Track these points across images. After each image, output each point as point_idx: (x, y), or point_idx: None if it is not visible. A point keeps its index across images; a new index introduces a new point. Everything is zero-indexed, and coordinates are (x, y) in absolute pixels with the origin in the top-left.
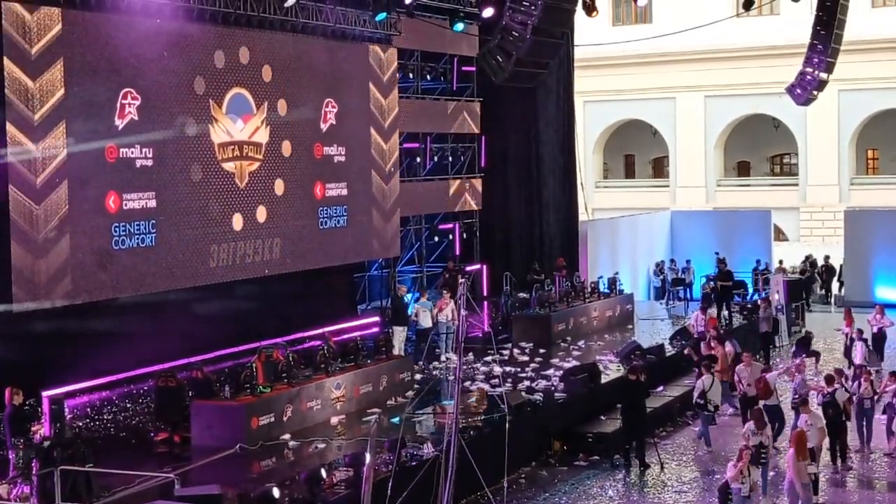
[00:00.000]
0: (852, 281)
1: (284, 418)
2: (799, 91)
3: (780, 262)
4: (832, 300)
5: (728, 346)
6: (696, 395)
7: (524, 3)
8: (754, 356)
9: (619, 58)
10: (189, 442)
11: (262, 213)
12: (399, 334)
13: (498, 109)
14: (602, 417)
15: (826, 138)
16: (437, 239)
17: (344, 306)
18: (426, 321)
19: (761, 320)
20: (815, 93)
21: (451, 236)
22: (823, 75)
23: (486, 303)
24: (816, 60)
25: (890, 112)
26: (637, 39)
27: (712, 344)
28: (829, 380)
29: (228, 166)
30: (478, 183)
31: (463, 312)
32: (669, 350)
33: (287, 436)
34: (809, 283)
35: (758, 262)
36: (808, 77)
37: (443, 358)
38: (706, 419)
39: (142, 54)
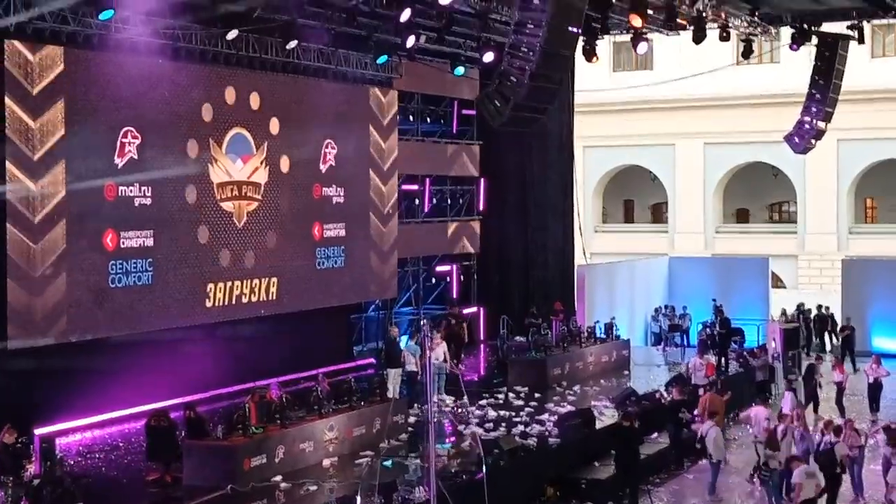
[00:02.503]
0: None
1: (276, 460)
2: (797, 140)
3: (784, 311)
4: (832, 350)
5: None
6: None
7: (522, 49)
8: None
9: (620, 104)
10: (181, 482)
11: (259, 253)
12: (393, 377)
13: (497, 153)
14: (596, 464)
15: (825, 187)
16: (434, 281)
17: (340, 347)
18: (411, 365)
19: (757, 369)
20: (814, 141)
21: (448, 279)
22: (821, 124)
23: (482, 346)
24: (815, 110)
25: (889, 162)
26: (637, 86)
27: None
28: (838, 430)
29: (227, 206)
30: (476, 225)
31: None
32: (665, 397)
33: (279, 477)
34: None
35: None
36: (807, 126)
37: (435, 399)
38: (712, 466)
39: (143, 94)
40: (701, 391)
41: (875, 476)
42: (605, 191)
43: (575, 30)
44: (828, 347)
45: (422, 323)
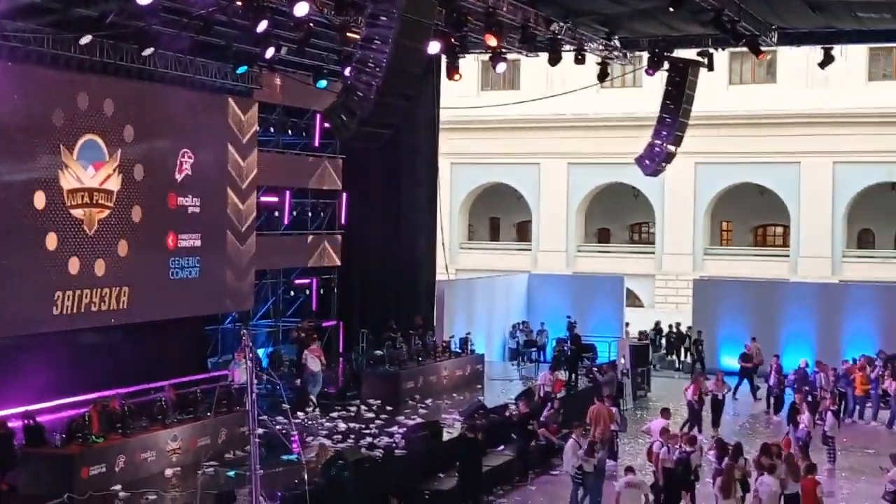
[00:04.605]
0: (708, 348)
1: (117, 469)
2: (648, 162)
3: (627, 323)
4: (681, 367)
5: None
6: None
7: (369, 64)
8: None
9: (487, 122)
10: (17, 490)
11: (110, 261)
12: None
13: (361, 167)
14: (441, 475)
15: (682, 209)
16: (293, 294)
17: (193, 359)
18: (242, 377)
19: (603, 384)
20: (664, 164)
21: (308, 291)
22: (671, 148)
23: (340, 359)
24: (665, 133)
25: (743, 186)
26: (501, 104)
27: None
28: (692, 441)
29: (77, 213)
30: (338, 239)
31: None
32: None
33: (118, 486)
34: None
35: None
36: (657, 149)
37: (310, 406)
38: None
39: None
40: (549, 405)
41: (705, 487)
42: (472, 208)
43: (422, 47)
44: (676, 365)
45: (242, 334)
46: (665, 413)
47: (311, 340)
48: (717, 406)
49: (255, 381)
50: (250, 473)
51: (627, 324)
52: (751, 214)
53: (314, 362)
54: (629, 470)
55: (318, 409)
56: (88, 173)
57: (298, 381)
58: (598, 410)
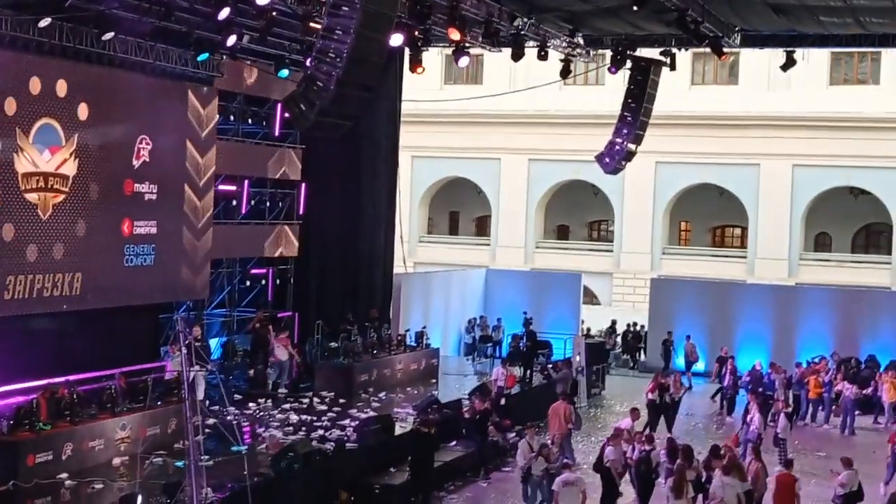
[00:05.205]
0: (656, 347)
1: (64, 457)
2: (608, 160)
3: (582, 321)
4: (636, 366)
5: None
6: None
7: (330, 54)
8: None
9: (449, 116)
10: None
11: (63, 247)
12: (201, 378)
13: (320, 158)
14: (392, 469)
15: (642, 208)
16: (249, 284)
17: (146, 347)
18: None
19: (557, 381)
20: (624, 163)
21: (264, 282)
22: (632, 146)
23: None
24: (626, 131)
25: (703, 186)
26: (463, 98)
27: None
28: (650, 439)
29: (31, 197)
30: (295, 229)
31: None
32: (466, 405)
33: (65, 475)
34: (602, 347)
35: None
36: (617, 147)
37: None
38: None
39: None
40: (503, 400)
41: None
42: (432, 201)
43: (384, 38)
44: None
45: (175, 319)
46: (634, 413)
47: (266, 331)
48: (674, 407)
49: (192, 371)
50: (189, 464)
51: (588, 327)
52: (709, 215)
53: (281, 351)
54: (565, 467)
55: (286, 397)
56: (44, 157)
57: (252, 372)
58: (555, 408)
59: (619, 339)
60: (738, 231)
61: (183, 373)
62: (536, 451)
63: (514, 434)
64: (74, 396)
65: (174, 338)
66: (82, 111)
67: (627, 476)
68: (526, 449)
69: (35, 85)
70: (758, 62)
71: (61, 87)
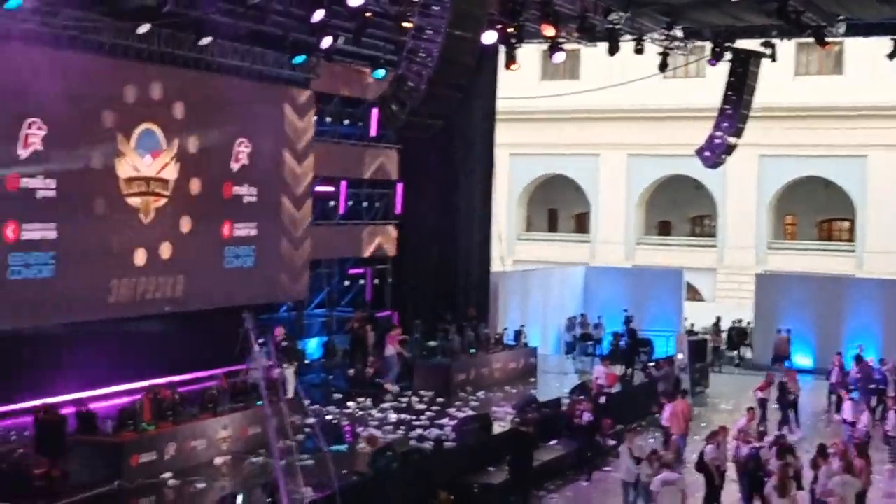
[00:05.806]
0: (762, 344)
1: (167, 457)
2: (708, 154)
3: (692, 325)
4: (741, 363)
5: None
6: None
7: (420, 54)
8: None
9: (547, 112)
10: (68, 477)
11: (166, 250)
12: (291, 376)
13: (417, 157)
14: (491, 469)
15: (745, 202)
16: (347, 284)
17: (247, 348)
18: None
19: (658, 380)
20: (724, 156)
21: (362, 281)
22: (732, 139)
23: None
24: (726, 125)
25: (809, 179)
26: (559, 94)
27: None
28: (760, 437)
29: (134, 201)
30: (392, 229)
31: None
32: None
33: (168, 474)
34: (704, 345)
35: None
36: (718, 140)
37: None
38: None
39: (49, 85)
40: (602, 399)
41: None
42: (531, 199)
43: (475, 37)
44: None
45: (243, 316)
46: (750, 412)
47: (364, 331)
48: (793, 405)
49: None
50: (274, 462)
51: (692, 324)
52: (816, 208)
53: (389, 348)
54: (665, 467)
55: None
56: (145, 161)
57: (352, 371)
58: (674, 408)
59: (724, 336)
60: (846, 224)
61: (258, 371)
62: (646, 457)
63: (612, 439)
64: (177, 397)
65: (243, 336)
66: (178, 113)
67: (735, 475)
68: (627, 455)
69: (141, 89)
70: (864, 51)
71: (166, 96)
